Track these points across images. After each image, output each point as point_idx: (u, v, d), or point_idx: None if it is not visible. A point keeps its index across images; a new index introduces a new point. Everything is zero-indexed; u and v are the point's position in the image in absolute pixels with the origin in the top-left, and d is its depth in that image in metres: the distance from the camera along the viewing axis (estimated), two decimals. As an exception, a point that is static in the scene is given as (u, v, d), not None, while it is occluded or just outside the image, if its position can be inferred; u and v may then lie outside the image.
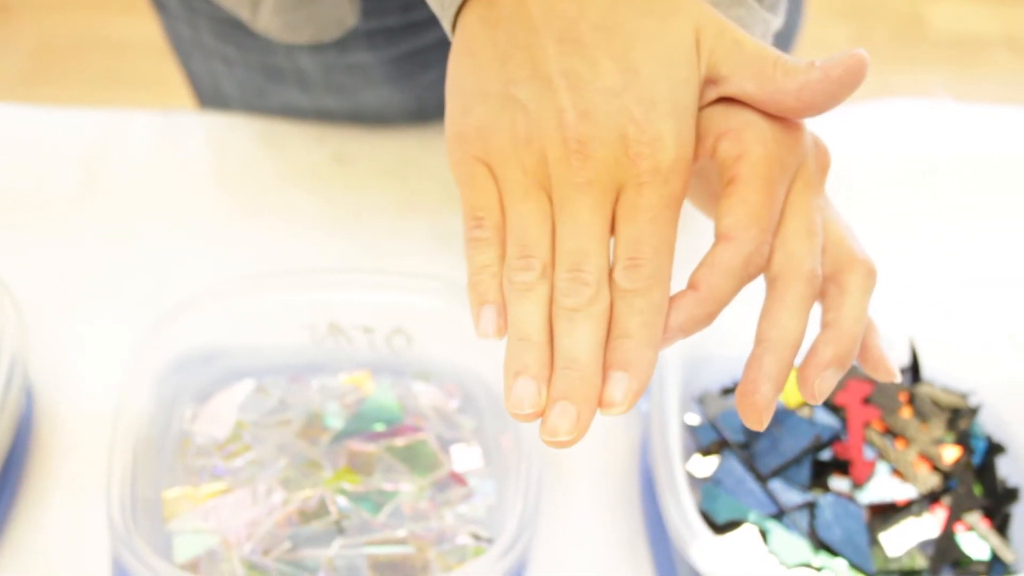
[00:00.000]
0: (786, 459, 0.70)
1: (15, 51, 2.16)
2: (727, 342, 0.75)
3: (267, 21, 0.79)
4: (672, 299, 0.47)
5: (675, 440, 0.67)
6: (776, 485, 0.69)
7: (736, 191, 0.48)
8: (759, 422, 0.48)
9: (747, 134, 0.49)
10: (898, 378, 0.54)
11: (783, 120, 0.49)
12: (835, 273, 0.50)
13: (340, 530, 0.66)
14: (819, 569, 0.66)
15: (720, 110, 0.50)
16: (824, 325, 0.50)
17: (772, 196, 0.48)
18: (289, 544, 0.65)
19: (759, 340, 0.49)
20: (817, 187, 0.50)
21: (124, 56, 2.15)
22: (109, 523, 0.61)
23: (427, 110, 0.92)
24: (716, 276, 0.47)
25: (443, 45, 0.87)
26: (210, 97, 0.94)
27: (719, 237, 0.48)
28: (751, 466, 0.70)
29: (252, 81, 0.89)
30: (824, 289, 0.51)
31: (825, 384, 0.49)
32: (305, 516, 0.66)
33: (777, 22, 0.57)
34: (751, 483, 0.69)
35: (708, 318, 0.48)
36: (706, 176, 0.54)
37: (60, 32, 2.20)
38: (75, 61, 2.15)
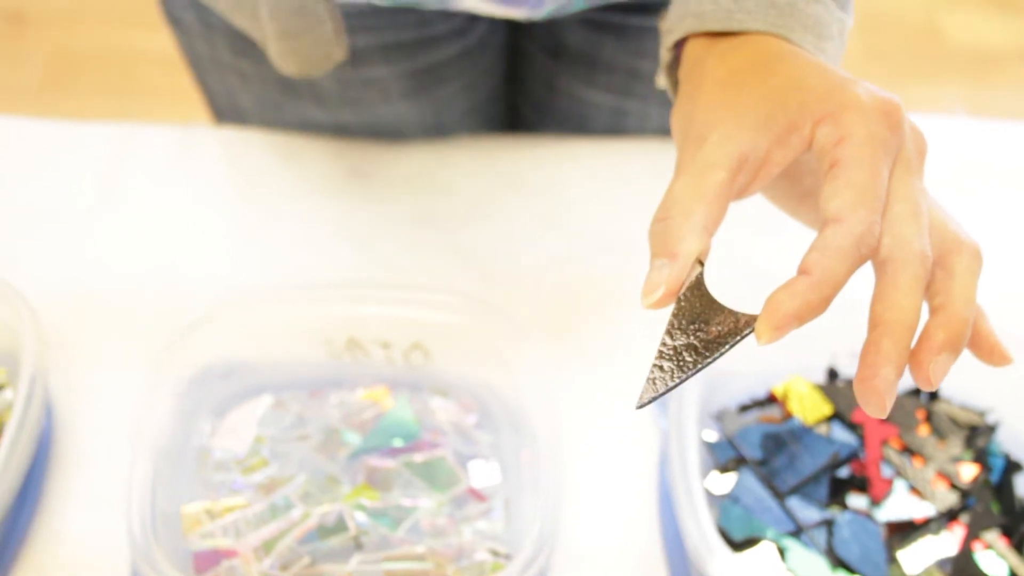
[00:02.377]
0: (804, 476, 0.70)
1: (31, 62, 2.17)
2: (744, 359, 0.75)
3: (270, 49, 0.78)
4: (784, 286, 0.47)
5: (693, 457, 0.67)
6: (794, 502, 0.69)
7: (841, 173, 0.48)
8: (881, 407, 0.47)
9: (846, 116, 0.49)
10: (1012, 362, 0.53)
11: (882, 100, 0.49)
12: (941, 256, 0.50)
13: (359, 546, 0.66)
14: (837, 587, 0.66)
15: (814, 97, 0.50)
16: (933, 310, 0.49)
17: (877, 176, 0.48)
18: (308, 559, 0.65)
19: (875, 324, 0.48)
20: (918, 170, 0.50)
21: (139, 67, 2.16)
22: (129, 537, 0.62)
23: (444, 125, 0.92)
24: (829, 259, 0.46)
25: (458, 59, 0.88)
26: (227, 112, 0.95)
27: (827, 220, 0.47)
28: (769, 483, 0.70)
29: (268, 96, 0.89)
30: (931, 274, 0.50)
31: (940, 369, 0.48)
32: (324, 531, 0.66)
33: (849, 21, 0.58)
34: (769, 500, 0.69)
35: (824, 303, 0.47)
36: (794, 176, 0.55)
37: (75, 43, 2.21)
38: (90, 72, 2.16)
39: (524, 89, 0.96)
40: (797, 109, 0.50)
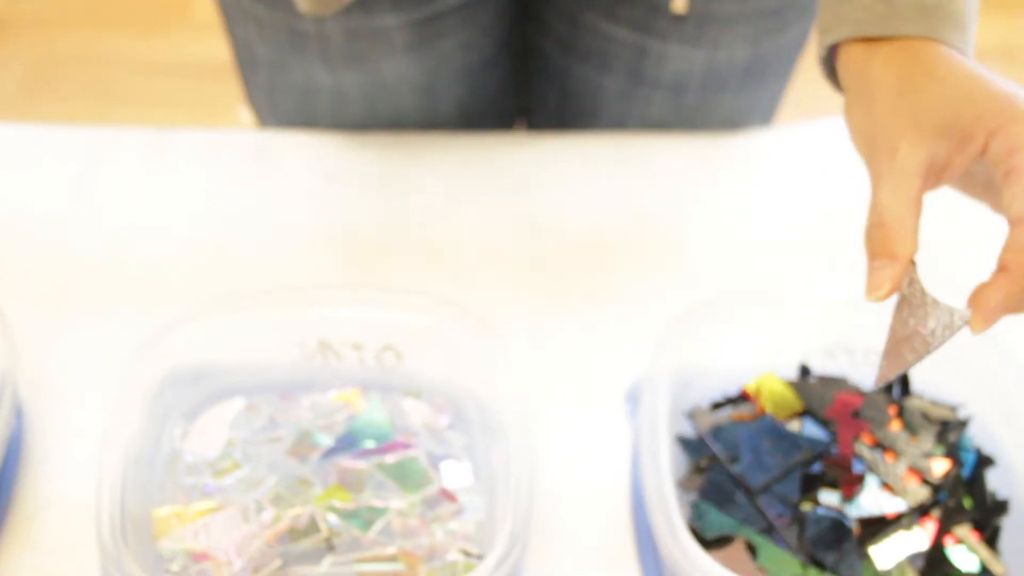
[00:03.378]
0: (775, 474, 0.70)
1: (12, 67, 2.16)
2: (717, 358, 0.76)
3: None
4: (989, 284, 0.55)
5: (665, 455, 0.67)
6: (766, 499, 0.69)
7: (1018, 180, 0.55)
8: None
9: (1015, 128, 0.56)
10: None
11: None
12: None
13: (330, 547, 0.66)
14: (808, 583, 0.66)
15: (985, 110, 0.57)
16: None
17: None
18: (279, 562, 0.65)
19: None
20: None
21: (120, 73, 2.15)
22: (99, 541, 0.62)
23: (436, 87, 0.93)
24: (1021, 256, 0.54)
25: (459, 12, 0.89)
26: (246, 63, 0.96)
27: (1015, 222, 0.55)
28: (741, 481, 0.70)
29: (278, 48, 0.90)
30: None
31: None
32: (295, 534, 0.66)
33: None
34: (740, 498, 0.69)
35: (1023, 295, 0.55)
36: (972, 172, 0.62)
37: (57, 48, 2.21)
38: (71, 77, 2.16)
39: (547, 27, 0.97)
40: (971, 121, 0.57)
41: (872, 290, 0.57)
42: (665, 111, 0.96)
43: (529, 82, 1.03)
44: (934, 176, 0.58)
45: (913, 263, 0.57)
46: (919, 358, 0.57)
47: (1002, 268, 0.55)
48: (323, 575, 0.65)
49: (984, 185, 0.63)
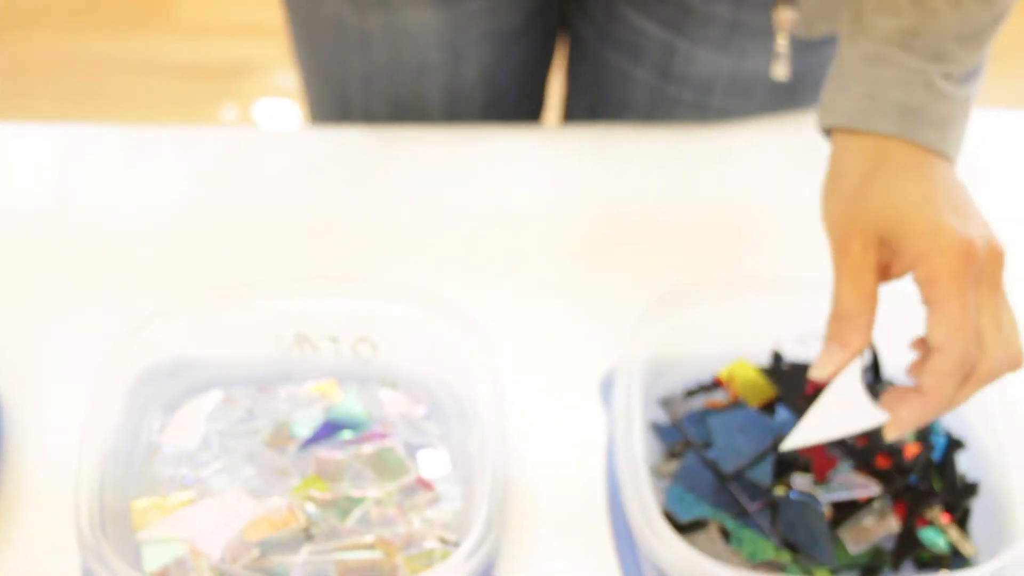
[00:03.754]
0: (748, 459, 0.70)
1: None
2: (690, 347, 0.76)
3: None
4: (906, 404, 0.63)
5: (638, 441, 0.68)
6: (739, 484, 0.70)
7: (935, 309, 0.61)
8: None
9: (935, 261, 0.61)
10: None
11: (963, 241, 0.61)
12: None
13: (308, 537, 0.67)
14: (783, 566, 0.67)
15: (913, 236, 0.62)
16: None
17: (966, 307, 0.60)
18: (258, 552, 0.66)
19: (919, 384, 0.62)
20: (995, 284, 0.62)
21: (98, 72, 2.15)
22: (78, 534, 0.62)
23: (459, 46, 0.94)
24: (938, 382, 0.61)
25: None
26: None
27: (932, 349, 0.61)
28: (714, 466, 0.71)
29: None
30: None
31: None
32: (273, 524, 0.67)
33: (975, 89, 0.69)
34: (714, 483, 0.70)
35: (933, 416, 0.63)
36: None
37: (38, 49, 2.20)
38: (53, 78, 2.16)
39: (586, 13, 0.98)
40: (903, 240, 0.63)
41: (818, 369, 0.64)
42: (692, 112, 0.97)
43: (568, 65, 1.04)
44: (882, 275, 0.65)
45: (872, 349, 0.65)
46: (827, 438, 0.66)
47: (919, 390, 0.62)
48: (301, 564, 0.65)
49: None
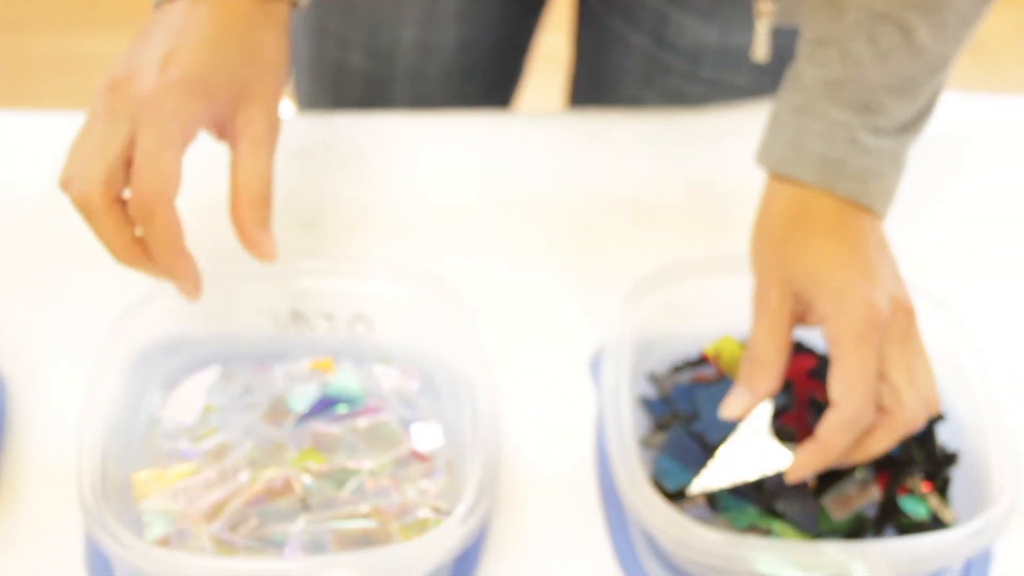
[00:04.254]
0: (730, 430, 0.72)
1: (-14, 68, 2.18)
2: (678, 325, 0.78)
3: None
4: (803, 450, 0.66)
5: (627, 414, 0.69)
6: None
7: (836, 368, 0.65)
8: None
9: (840, 322, 0.65)
10: None
11: (867, 306, 0.64)
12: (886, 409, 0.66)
13: (305, 507, 0.68)
14: (767, 532, 0.68)
15: (822, 297, 0.66)
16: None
17: (865, 367, 0.64)
18: (256, 521, 0.68)
19: (819, 436, 0.66)
20: (903, 339, 0.66)
21: (98, 73, 2.16)
22: (81, 502, 0.64)
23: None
24: (831, 434, 0.65)
25: None
26: None
27: (830, 403, 0.65)
28: (700, 438, 0.72)
29: None
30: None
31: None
32: (271, 494, 0.68)
33: (912, 141, 0.72)
34: (701, 454, 0.72)
35: (826, 464, 0.66)
36: None
37: (34, 50, 2.22)
38: (49, 79, 2.18)
39: None
40: (813, 298, 0.67)
41: (726, 409, 0.68)
42: (683, 81, 0.99)
43: (574, 29, 1.06)
44: (797, 322, 0.69)
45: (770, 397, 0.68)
46: (733, 481, 0.69)
47: (815, 439, 0.66)
48: (298, 533, 0.67)
49: None
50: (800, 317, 0.69)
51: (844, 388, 0.65)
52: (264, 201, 0.64)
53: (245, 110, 0.64)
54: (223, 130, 0.65)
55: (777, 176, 0.71)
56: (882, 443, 0.66)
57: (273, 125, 0.65)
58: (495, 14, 1.02)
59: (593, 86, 1.06)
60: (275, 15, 0.67)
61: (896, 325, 0.66)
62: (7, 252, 0.83)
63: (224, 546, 0.66)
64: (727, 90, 0.98)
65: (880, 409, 0.66)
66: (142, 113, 0.61)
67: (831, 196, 0.69)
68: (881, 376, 0.66)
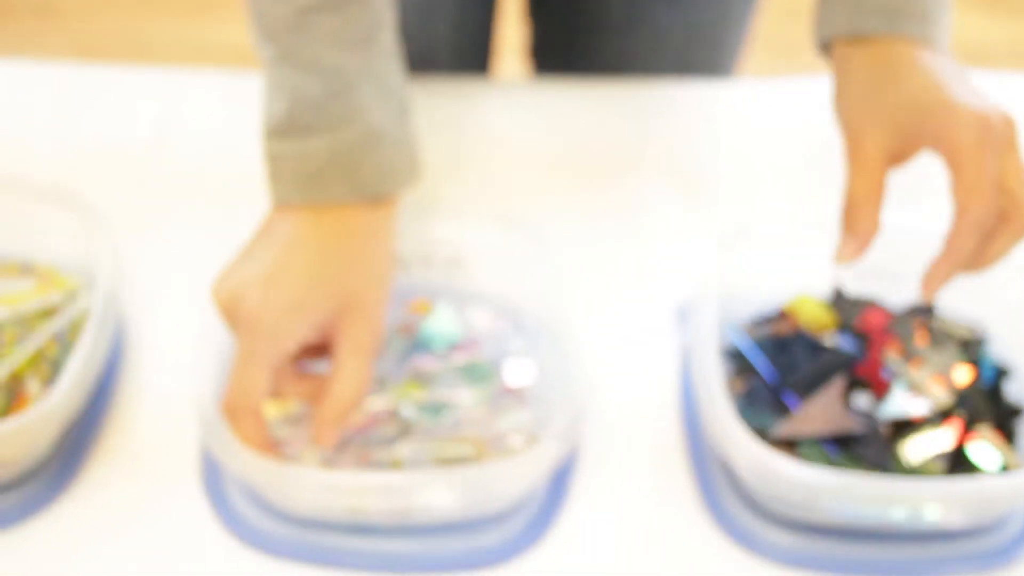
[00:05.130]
0: (805, 378, 0.76)
1: (58, 53, 2.23)
2: (757, 281, 0.82)
3: None
4: (935, 262, 0.69)
5: (713, 362, 0.73)
6: (801, 402, 0.75)
7: (958, 175, 0.67)
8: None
9: (954, 133, 0.67)
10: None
11: (978, 115, 0.67)
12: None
13: (406, 431, 0.72)
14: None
15: (929, 117, 0.68)
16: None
17: (984, 172, 0.67)
18: (360, 445, 0.72)
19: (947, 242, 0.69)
20: (1011, 149, 0.68)
21: (164, 57, 2.22)
22: (199, 417, 0.68)
23: None
24: (960, 239, 0.68)
25: None
26: None
27: (956, 211, 0.68)
28: (777, 386, 0.76)
29: None
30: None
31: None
32: (376, 422, 0.73)
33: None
34: (778, 403, 0.75)
35: (963, 267, 0.69)
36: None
37: (102, 34, 2.28)
38: (112, 60, 2.22)
39: None
40: (919, 125, 0.69)
41: (838, 257, 0.71)
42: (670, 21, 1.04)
43: None
44: (895, 162, 0.71)
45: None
46: (814, 434, 0.73)
47: (946, 247, 0.69)
48: (403, 456, 0.71)
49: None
50: (898, 156, 0.71)
51: (968, 192, 0.67)
52: (348, 405, 0.67)
53: (346, 319, 0.67)
54: (327, 337, 0.68)
55: (845, 41, 0.74)
56: (1005, 246, 0.69)
57: (374, 333, 0.68)
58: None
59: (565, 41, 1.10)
60: (386, 218, 0.70)
61: (1004, 136, 0.68)
62: (119, 203, 0.86)
63: (332, 466, 0.71)
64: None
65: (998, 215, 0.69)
66: (240, 329, 0.66)
67: (902, 40, 0.72)
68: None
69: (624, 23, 1.05)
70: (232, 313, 0.66)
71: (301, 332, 0.66)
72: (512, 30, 1.20)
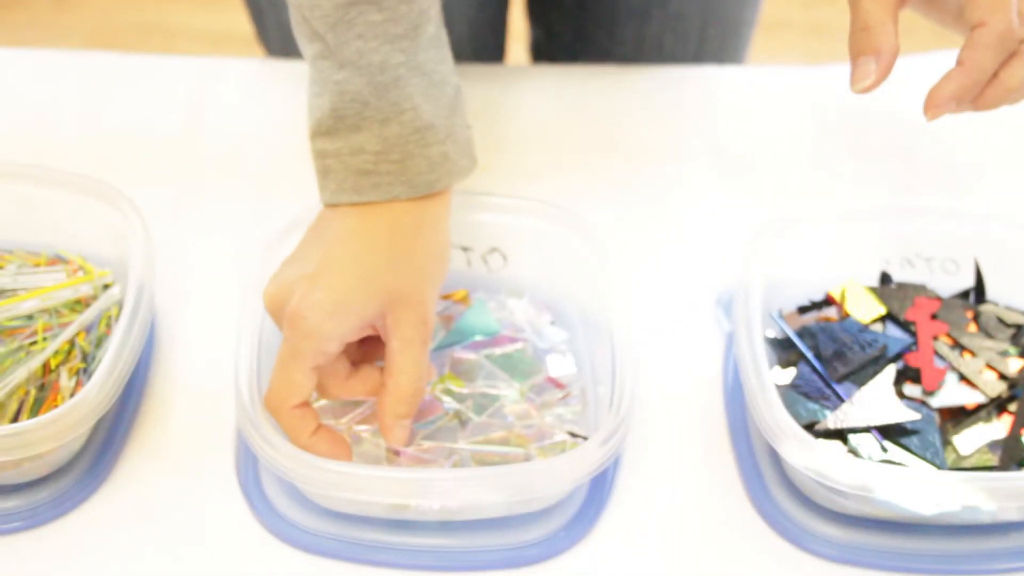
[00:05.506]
0: (853, 366, 0.74)
1: (73, 38, 2.22)
2: (801, 268, 0.80)
3: None
4: (945, 76, 0.65)
5: (760, 351, 0.71)
6: (851, 392, 0.73)
7: None
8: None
9: None
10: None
11: None
12: None
13: (462, 423, 0.71)
14: (897, 464, 0.70)
15: None
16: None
17: None
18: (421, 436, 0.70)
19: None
20: None
21: (179, 43, 2.21)
22: (237, 400, 0.66)
23: None
24: (978, 53, 0.64)
25: None
26: None
27: (974, 26, 0.64)
28: (826, 376, 0.74)
29: None
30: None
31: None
32: (420, 412, 0.71)
33: None
34: (827, 390, 0.74)
35: (975, 87, 0.65)
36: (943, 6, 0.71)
37: (117, 20, 2.26)
38: (131, 48, 2.21)
39: None
40: None
41: (857, 81, 0.66)
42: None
43: None
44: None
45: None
46: (857, 422, 0.71)
47: (959, 63, 0.65)
48: (460, 448, 0.69)
49: (955, 14, 0.71)
50: None
51: (987, 5, 0.64)
52: (409, 398, 0.65)
53: (394, 313, 0.65)
54: (376, 331, 0.67)
55: None
56: (1019, 71, 0.65)
57: (423, 324, 0.66)
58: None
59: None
60: (437, 209, 0.68)
61: None
62: (151, 190, 0.85)
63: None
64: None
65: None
66: (285, 327, 0.65)
67: None
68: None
69: (641, 9, 1.03)
70: (277, 312, 0.65)
71: (344, 332, 0.64)
72: (518, 24, 1.19)
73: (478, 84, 0.95)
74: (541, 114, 0.94)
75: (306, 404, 0.65)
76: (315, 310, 0.63)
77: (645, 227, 0.86)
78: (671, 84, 0.97)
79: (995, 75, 0.66)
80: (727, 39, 1.07)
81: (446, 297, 0.78)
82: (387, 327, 0.65)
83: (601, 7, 1.05)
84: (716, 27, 1.05)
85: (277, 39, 1.04)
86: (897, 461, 0.70)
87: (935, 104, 0.65)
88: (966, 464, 0.71)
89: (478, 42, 1.06)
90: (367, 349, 0.69)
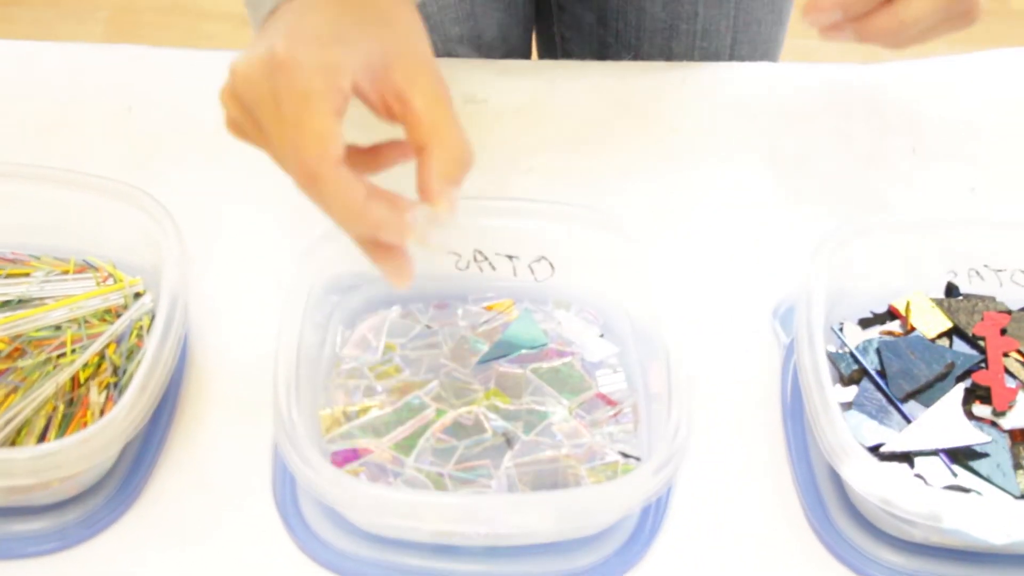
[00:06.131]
0: (919, 384, 0.70)
1: (96, 17, 2.19)
2: (862, 278, 0.76)
3: None
4: None
5: (824, 367, 0.68)
6: (917, 411, 0.70)
7: None
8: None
9: None
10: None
11: None
12: None
13: (509, 443, 0.67)
14: (966, 490, 0.67)
15: None
16: None
17: None
18: (460, 455, 0.67)
19: None
20: None
21: (200, 22, 2.18)
22: (275, 417, 0.62)
23: None
24: None
25: None
26: None
27: None
28: (891, 393, 0.70)
29: None
30: None
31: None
32: (462, 430, 0.68)
33: None
34: (891, 409, 0.70)
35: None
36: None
37: (139, 1, 2.23)
38: (153, 27, 2.19)
39: None
40: None
41: (808, 11, 0.66)
42: None
43: None
44: None
45: None
46: (924, 445, 0.68)
47: None
48: (506, 467, 0.66)
49: None
50: None
51: None
52: (460, 156, 0.58)
53: (402, 69, 0.56)
54: (382, 97, 0.58)
55: None
56: (922, 11, 0.66)
57: (441, 80, 0.57)
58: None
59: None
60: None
61: None
62: (183, 194, 0.82)
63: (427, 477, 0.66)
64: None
65: None
66: (280, 81, 0.53)
67: None
68: None
69: (666, 24, 0.99)
70: (256, 85, 0.54)
71: (352, 62, 0.54)
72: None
73: (515, 81, 0.91)
74: (581, 113, 0.90)
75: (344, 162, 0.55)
76: (312, 44, 0.53)
77: (694, 232, 0.82)
78: (720, 82, 0.93)
79: (890, 2, 0.63)
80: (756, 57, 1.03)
81: (490, 308, 0.75)
82: (399, 86, 0.56)
83: (625, 23, 1.01)
84: (746, 46, 1.01)
85: None
86: (966, 487, 0.67)
87: (816, 6, 0.64)
88: (1040, 491, 0.67)
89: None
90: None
